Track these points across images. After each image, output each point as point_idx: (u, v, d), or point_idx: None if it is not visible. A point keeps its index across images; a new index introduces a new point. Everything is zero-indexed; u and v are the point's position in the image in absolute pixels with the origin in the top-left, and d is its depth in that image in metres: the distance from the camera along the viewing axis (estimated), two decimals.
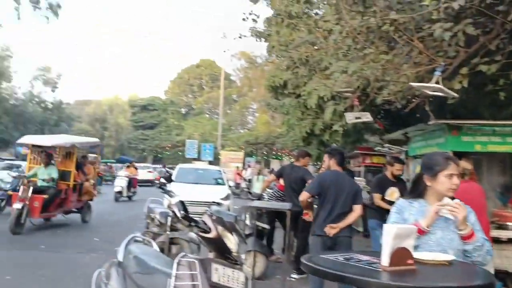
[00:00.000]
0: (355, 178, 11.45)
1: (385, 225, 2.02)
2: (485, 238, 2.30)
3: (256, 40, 10.10)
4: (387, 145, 8.77)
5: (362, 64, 5.54)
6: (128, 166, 20.51)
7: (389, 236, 1.94)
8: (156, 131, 48.88)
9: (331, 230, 4.31)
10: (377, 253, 2.07)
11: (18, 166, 21.49)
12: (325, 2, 5.76)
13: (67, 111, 52.29)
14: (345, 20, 5.46)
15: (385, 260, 1.91)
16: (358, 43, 5.68)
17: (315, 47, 7.62)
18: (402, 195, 5.76)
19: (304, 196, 4.63)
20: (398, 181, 6.01)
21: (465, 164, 4.16)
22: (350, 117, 6.09)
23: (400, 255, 1.93)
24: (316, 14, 7.57)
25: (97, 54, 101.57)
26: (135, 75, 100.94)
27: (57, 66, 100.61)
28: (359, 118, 6.07)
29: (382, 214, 5.67)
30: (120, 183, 17.82)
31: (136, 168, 21.23)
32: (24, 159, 31.21)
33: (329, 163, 4.80)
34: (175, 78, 59.50)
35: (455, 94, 4.55)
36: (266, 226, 6.43)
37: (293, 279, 5.85)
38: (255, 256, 5.86)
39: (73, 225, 10.14)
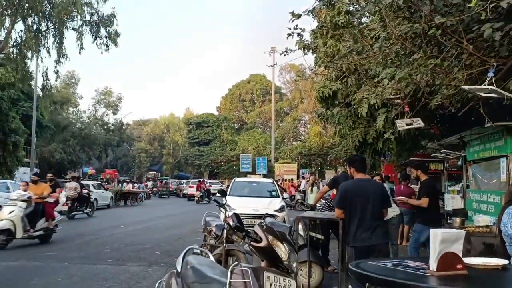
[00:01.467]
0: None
1: (431, 230, 2.03)
2: None
3: (305, 53, 10.17)
4: (444, 150, 8.46)
5: (410, 70, 5.46)
6: (34, 181, 10.61)
7: (436, 241, 1.94)
8: (211, 147, 50.12)
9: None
10: (427, 259, 2.07)
11: (86, 186, 23.00)
12: (366, 9, 5.74)
13: (128, 132, 55.16)
14: (390, 26, 5.43)
15: (432, 265, 1.92)
16: (406, 49, 5.61)
17: (363, 56, 7.58)
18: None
19: (337, 212, 4.66)
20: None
21: None
22: (401, 124, 5.98)
23: (449, 259, 1.92)
24: (360, 23, 7.54)
25: (152, 74, 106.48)
26: (189, 93, 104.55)
27: (117, 88, 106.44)
28: (410, 124, 5.95)
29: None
30: (9, 213, 9.14)
31: (56, 185, 11.37)
32: (90, 179, 33.25)
33: (350, 172, 4.79)
34: (227, 94, 60.85)
35: (510, 95, 4.36)
36: (320, 237, 6.41)
37: None
38: (310, 266, 5.89)
39: (136, 240, 10.63)
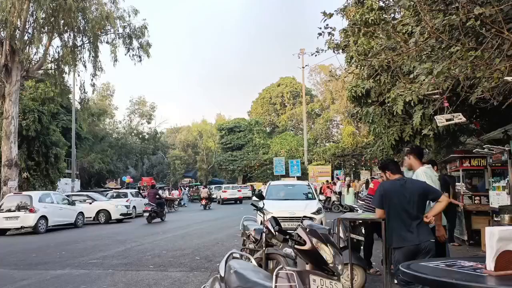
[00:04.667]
0: (457, 183, 10.75)
1: (487, 229, 1.94)
2: None
3: (334, 52, 10.07)
4: (486, 145, 8.14)
5: (448, 64, 5.29)
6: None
7: (493, 239, 1.86)
8: (243, 151, 50.33)
9: (430, 220, 4.27)
10: (482, 259, 1.99)
11: (125, 194, 23.61)
12: (400, 4, 5.62)
13: (162, 140, 56.34)
14: (425, 20, 5.29)
15: (490, 264, 1.84)
16: (442, 42, 5.45)
17: (396, 52, 7.42)
18: None
19: (379, 213, 4.58)
20: None
21: None
22: (441, 120, 5.80)
23: (507, 258, 1.84)
24: (394, 19, 7.39)
25: (182, 82, 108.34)
26: (220, 99, 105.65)
27: (150, 98, 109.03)
28: (450, 120, 5.76)
29: None
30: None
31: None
32: (128, 187, 34.17)
33: (386, 176, 4.70)
34: (257, 99, 61.06)
35: None
36: (361, 238, 6.30)
37: None
38: (352, 269, 5.79)
39: (176, 246, 10.80)
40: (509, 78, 4.42)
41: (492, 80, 5.24)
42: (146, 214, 18.26)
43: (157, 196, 19.48)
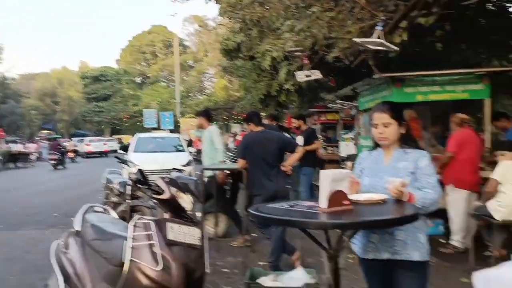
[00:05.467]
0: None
1: (321, 172, 2.17)
2: (433, 183, 2.28)
3: (206, 2, 9.88)
4: (339, 101, 9.03)
5: (308, 22, 5.60)
6: None
7: (326, 181, 2.10)
8: (111, 102, 47.42)
9: (287, 169, 4.74)
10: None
11: None
12: None
13: (13, 87, 49.74)
14: None
15: (323, 203, 2.08)
16: (305, 1, 5.73)
17: (265, 7, 7.58)
18: None
19: (241, 163, 4.86)
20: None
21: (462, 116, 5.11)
22: (300, 76, 6.22)
23: (337, 197, 2.09)
24: None
25: (40, 23, 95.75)
26: (84, 44, 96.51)
27: None
28: (309, 76, 6.21)
29: None
30: None
31: None
32: None
33: (250, 128, 5.04)
34: (127, 46, 57.31)
35: (396, 48, 4.73)
36: (227, 187, 6.59)
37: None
38: (216, 216, 6.08)
39: (30, 204, 9.92)
40: (357, 40, 4.87)
41: (345, 41, 5.73)
42: (53, 161, 21.06)
43: (59, 147, 22.29)
